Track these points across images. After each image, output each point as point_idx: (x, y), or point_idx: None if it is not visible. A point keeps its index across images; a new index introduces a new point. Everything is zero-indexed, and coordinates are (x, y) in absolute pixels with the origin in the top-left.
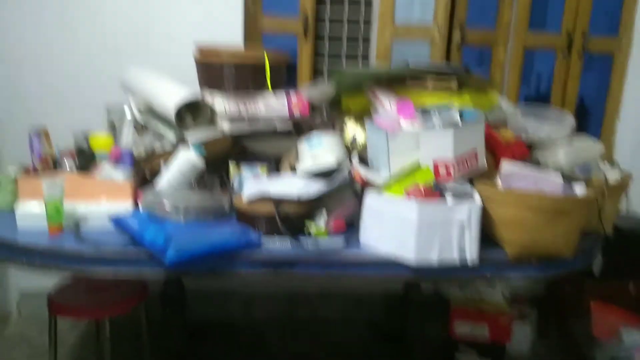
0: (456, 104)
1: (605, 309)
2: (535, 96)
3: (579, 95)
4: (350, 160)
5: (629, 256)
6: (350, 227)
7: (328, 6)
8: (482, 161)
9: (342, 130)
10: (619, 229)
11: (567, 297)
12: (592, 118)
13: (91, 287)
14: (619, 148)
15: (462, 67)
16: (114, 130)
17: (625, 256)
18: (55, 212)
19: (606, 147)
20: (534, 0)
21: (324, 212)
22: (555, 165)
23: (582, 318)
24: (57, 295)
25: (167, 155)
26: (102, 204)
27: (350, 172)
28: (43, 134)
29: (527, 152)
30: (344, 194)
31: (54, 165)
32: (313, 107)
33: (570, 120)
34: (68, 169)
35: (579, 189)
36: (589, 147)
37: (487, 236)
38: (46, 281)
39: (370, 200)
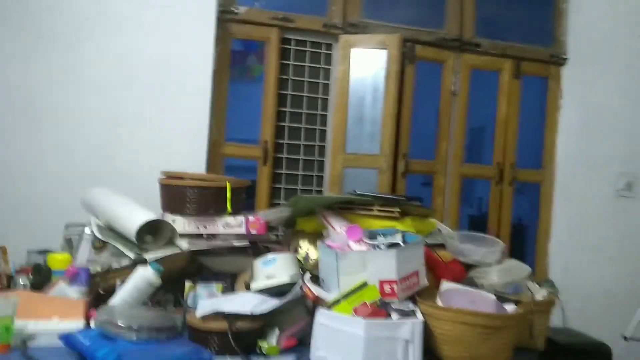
0: (399, 228)
1: None
2: (478, 216)
3: (517, 216)
4: (303, 279)
5: None
6: (302, 343)
7: (286, 132)
8: (423, 280)
9: (296, 250)
10: (557, 344)
11: None
12: (528, 238)
13: None
14: (552, 267)
15: (404, 196)
16: (70, 247)
17: None
18: (4, 331)
19: (540, 266)
20: (468, 137)
21: (276, 329)
22: (489, 285)
23: None
24: None
25: (124, 272)
26: (53, 322)
27: (302, 290)
28: (1, 252)
29: (464, 272)
30: (296, 311)
31: (8, 283)
32: (269, 228)
33: (501, 246)
34: (22, 287)
35: (510, 307)
36: (518, 268)
37: (431, 352)
38: None
39: (321, 318)
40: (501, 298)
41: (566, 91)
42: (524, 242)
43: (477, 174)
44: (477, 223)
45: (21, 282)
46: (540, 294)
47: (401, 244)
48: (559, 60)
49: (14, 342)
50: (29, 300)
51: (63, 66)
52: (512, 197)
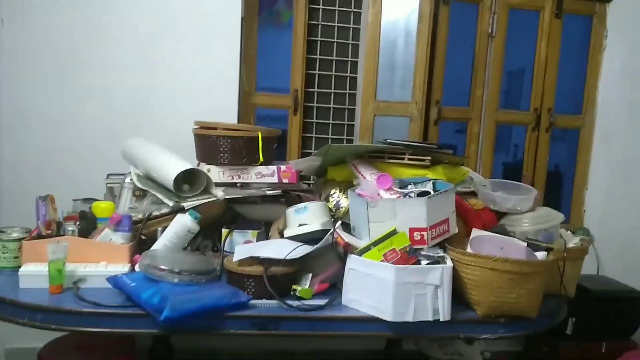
0: (430, 176)
1: None
2: (512, 163)
3: (554, 163)
4: (334, 226)
5: (600, 317)
6: (333, 288)
7: (317, 80)
8: (454, 228)
9: (327, 198)
10: (589, 291)
11: (545, 358)
12: (565, 186)
13: (80, 345)
14: (588, 215)
15: (435, 144)
16: (113, 196)
17: (597, 317)
18: (57, 274)
19: (576, 214)
20: (504, 81)
21: (309, 274)
22: (520, 233)
23: None
24: (48, 354)
25: (164, 219)
26: (101, 265)
27: (333, 237)
28: (49, 200)
29: (495, 220)
30: (328, 257)
31: (57, 229)
32: (301, 177)
33: (534, 193)
34: (71, 233)
35: (541, 254)
36: (551, 216)
37: (460, 298)
38: (33, 339)
39: (352, 264)
40: (532, 245)
41: (611, 30)
42: (560, 190)
43: (513, 120)
44: (511, 170)
45: (69, 229)
46: (573, 241)
47: (431, 192)
48: None
49: (66, 284)
50: (78, 245)
51: (97, 20)
52: (549, 143)
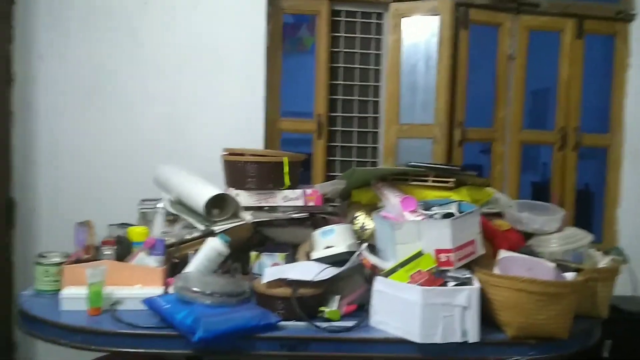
0: (454, 198)
1: None
2: (540, 183)
3: (583, 182)
4: (360, 248)
5: (637, 339)
6: (361, 309)
7: (340, 105)
8: (480, 249)
9: (352, 221)
10: (625, 312)
11: None
12: (595, 205)
13: None
14: (622, 234)
15: (459, 166)
16: (146, 221)
17: (634, 339)
18: (96, 296)
19: (609, 233)
20: (528, 101)
21: (337, 295)
22: (548, 253)
23: None
24: None
25: (195, 243)
26: (136, 288)
27: (360, 259)
28: (88, 226)
29: (522, 241)
30: (354, 279)
31: (96, 253)
32: (326, 200)
33: (561, 213)
34: (108, 257)
35: (570, 275)
36: (579, 236)
37: (488, 319)
38: None
39: (379, 285)
40: (561, 266)
41: (635, 49)
42: (591, 209)
43: (539, 140)
44: (540, 190)
45: (106, 253)
46: (604, 261)
47: (456, 213)
48: (626, 16)
49: (104, 306)
50: (114, 269)
51: (127, 50)
52: (577, 162)
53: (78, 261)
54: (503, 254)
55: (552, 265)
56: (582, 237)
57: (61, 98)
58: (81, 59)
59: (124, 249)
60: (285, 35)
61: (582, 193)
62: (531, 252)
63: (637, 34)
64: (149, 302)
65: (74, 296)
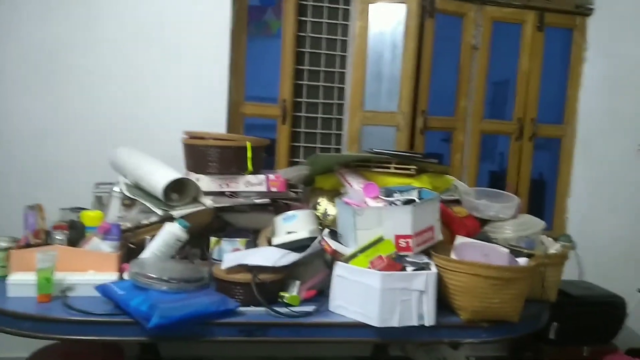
0: (415, 185)
1: None
2: (498, 172)
3: (537, 172)
4: (322, 234)
5: (582, 322)
6: (321, 295)
7: (305, 91)
8: (438, 235)
9: (314, 207)
10: (571, 296)
11: None
12: (548, 193)
13: (68, 354)
14: (571, 222)
15: (420, 154)
16: (101, 205)
17: (579, 322)
18: (45, 282)
19: (559, 221)
20: (489, 92)
21: (297, 281)
22: (503, 239)
23: None
24: None
25: (153, 228)
26: (89, 274)
27: (321, 245)
28: (38, 209)
29: (478, 227)
30: (315, 265)
31: (45, 238)
32: (289, 186)
33: (516, 201)
34: (59, 242)
35: (523, 260)
36: (532, 223)
37: (444, 303)
38: (20, 349)
39: (339, 271)
40: (514, 252)
41: (591, 43)
42: (544, 198)
43: (497, 130)
44: (497, 179)
45: (58, 238)
46: (554, 247)
47: (417, 200)
48: (584, 11)
49: (55, 293)
50: (66, 254)
51: (82, 25)
52: (533, 152)
53: (27, 246)
54: (460, 239)
55: (506, 251)
56: (535, 224)
57: (12, 75)
58: (32, 33)
59: (77, 234)
60: (251, 18)
61: (536, 182)
62: (487, 238)
63: (594, 28)
64: (102, 288)
65: (22, 282)
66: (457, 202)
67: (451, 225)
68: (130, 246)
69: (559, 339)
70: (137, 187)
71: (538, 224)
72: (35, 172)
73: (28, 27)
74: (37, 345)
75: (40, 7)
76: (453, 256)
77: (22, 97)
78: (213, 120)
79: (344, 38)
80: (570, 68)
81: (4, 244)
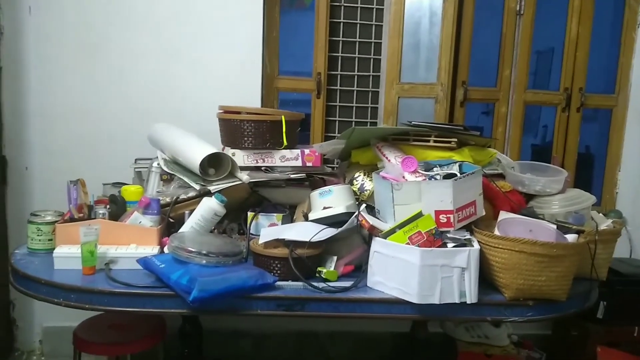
0: (456, 158)
1: (611, 353)
2: (542, 145)
3: (585, 145)
4: (359, 209)
5: (632, 301)
6: (359, 270)
7: (340, 63)
8: (481, 210)
9: (351, 182)
10: (621, 274)
11: (574, 342)
12: (596, 167)
13: (113, 325)
14: (621, 197)
15: (462, 126)
16: (141, 180)
17: (629, 301)
18: (89, 255)
19: (608, 196)
20: (533, 61)
21: (334, 256)
22: (550, 215)
23: None
24: (82, 332)
25: (191, 203)
26: (131, 247)
27: (358, 220)
28: (80, 184)
29: (523, 202)
30: (352, 240)
31: (88, 213)
32: (325, 160)
33: (564, 174)
34: (102, 216)
35: (571, 237)
36: (581, 198)
37: (487, 280)
38: (68, 319)
39: (377, 246)
40: (562, 227)
41: None
42: (592, 172)
43: (543, 101)
44: (540, 153)
45: (100, 212)
46: (605, 223)
47: (458, 174)
48: None
49: (98, 266)
50: (109, 228)
51: (119, 5)
52: (580, 124)
53: (71, 220)
54: (504, 215)
55: (553, 226)
56: (584, 198)
57: (51, 52)
58: (71, 13)
59: (118, 208)
60: None
61: (582, 156)
62: (532, 214)
63: None
64: (143, 261)
65: (67, 255)
66: (501, 176)
67: (494, 200)
68: (169, 220)
69: (607, 318)
70: (174, 162)
71: (588, 198)
72: (78, 149)
73: (68, 9)
74: (84, 316)
75: None
76: (496, 232)
77: (64, 76)
78: (248, 95)
79: (380, 7)
80: (622, 33)
81: (49, 218)
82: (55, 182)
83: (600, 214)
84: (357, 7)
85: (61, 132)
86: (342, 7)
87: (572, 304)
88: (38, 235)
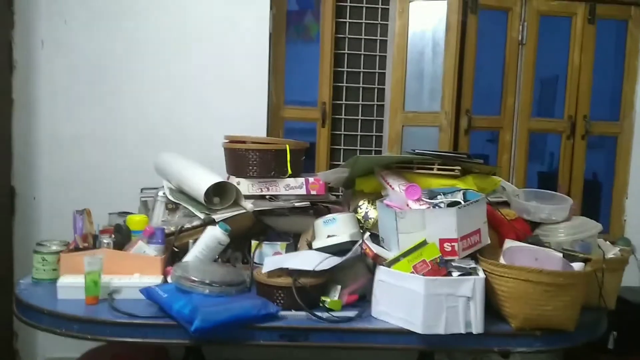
0: (460, 186)
1: None
2: (547, 173)
3: (591, 172)
4: (363, 237)
5: None
6: (363, 300)
7: (344, 93)
8: (485, 238)
9: (355, 210)
10: (631, 304)
11: None
12: (603, 195)
13: (116, 355)
14: (629, 225)
15: (465, 154)
16: (146, 209)
17: (639, 330)
18: (93, 285)
19: (616, 224)
20: (537, 89)
21: (338, 285)
22: (556, 243)
23: None
24: None
25: (195, 232)
26: (134, 277)
27: (362, 249)
28: (86, 214)
29: (528, 230)
30: (357, 269)
31: (93, 242)
32: (329, 189)
33: (569, 202)
34: (106, 246)
35: (578, 265)
36: (587, 225)
37: (493, 310)
38: (70, 350)
39: (381, 275)
40: (568, 256)
41: None
42: (599, 200)
43: (547, 128)
44: (547, 180)
45: (105, 242)
46: (612, 251)
47: (462, 202)
48: None
49: (102, 295)
50: (113, 257)
51: (128, 35)
52: (585, 151)
53: (76, 249)
54: (509, 243)
55: (559, 255)
56: (591, 226)
57: (62, 85)
58: (82, 46)
59: (123, 238)
60: (290, 22)
61: (589, 183)
62: (538, 242)
63: None
64: (146, 291)
65: (71, 285)
66: (506, 204)
67: (499, 228)
68: (174, 250)
69: (618, 348)
70: (180, 192)
71: (594, 226)
72: (86, 178)
73: (77, 39)
74: (87, 346)
75: (88, 20)
76: (502, 261)
77: (72, 106)
78: (253, 124)
79: (383, 38)
80: (625, 61)
81: (54, 248)
82: (62, 211)
83: (607, 242)
84: (361, 38)
85: (70, 162)
86: (347, 39)
87: (580, 334)
88: (43, 265)
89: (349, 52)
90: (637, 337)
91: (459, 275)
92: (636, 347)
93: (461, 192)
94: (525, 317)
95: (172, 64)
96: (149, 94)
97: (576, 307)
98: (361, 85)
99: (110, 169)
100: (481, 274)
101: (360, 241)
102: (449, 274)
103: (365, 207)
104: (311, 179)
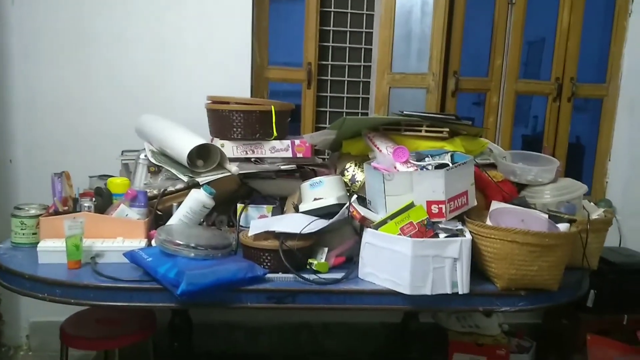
0: (448, 148)
1: (601, 341)
2: (532, 136)
3: (575, 135)
4: (350, 200)
5: (622, 289)
6: (350, 262)
7: (330, 53)
8: (472, 200)
9: (342, 173)
10: (611, 263)
11: (565, 331)
12: (587, 157)
13: (101, 319)
14: (611, 186)
15: (453, 115)
16: (128, 172)
17: (618, 289)
18: (74, 249)
19: (598, 186)
20: (525, 51)
21: (325, 248)
22: (542, 204)
23: (580, 351)
24: (69, 327)
25: (179, 195)
26: (118, 241)
27: (349, 211)
28: (65, 177)
29: (515, 192)
30: (344, 231)
31: (73, 206)
32: (315, 151)
33: (556, 164)
34: (87, 209)
35: (563, 226)
36: (573, 187)
37: (479, 271)
38: (55, 314)
39: (368, 237)
40: (554, 217)
41: None
42: (582, 162)
43: (534, 91)
44: (531, 143)
45: (85, 205)
46: (596, 213)
47: (449, 164)
48: None
49: (84, 259)
50: (94, 221)
51: None
52: (571, 114)
53: (56, 213)
54: (495, 205)
55: (545, 216)
56: (576, 188)
57: (36, 44)
58: (56, 3)
59: (104, 201)
60: None
61: (573, 146)
62: (524, 204)
63: None
64: (130, 255)
65: (52, 249)
66: (493, 166)
67: (486, 190)
68: (157, 213)
69: (597, 307)
70: (162, 154)
71: (579, 188)
72: (65, 141)
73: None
74: (72, 311)
75: None
76: (488, 222)
77: (45, 66)
78: (237, 85)
79: None
80: (614, 22)
81: (33, 211)
82: (40, 175)
83: (591, 204)
84: None
85: (47, 124)
86: None
87: (563, 293)
88: (22, 229)
89: (335, 10)
90: (615, 296)
91: (446, 236)
92: (614, 306)
93: (449, 154)
94: (510, 278)
95: (153, 24)
96: (129, 55)
97: (560, 267)
98: (348, 45)
99: (90, 131)
100: (468, 236)
101: (348, 204)
102: (436, 235)
103: (352, 170)
104: (297, 142)
